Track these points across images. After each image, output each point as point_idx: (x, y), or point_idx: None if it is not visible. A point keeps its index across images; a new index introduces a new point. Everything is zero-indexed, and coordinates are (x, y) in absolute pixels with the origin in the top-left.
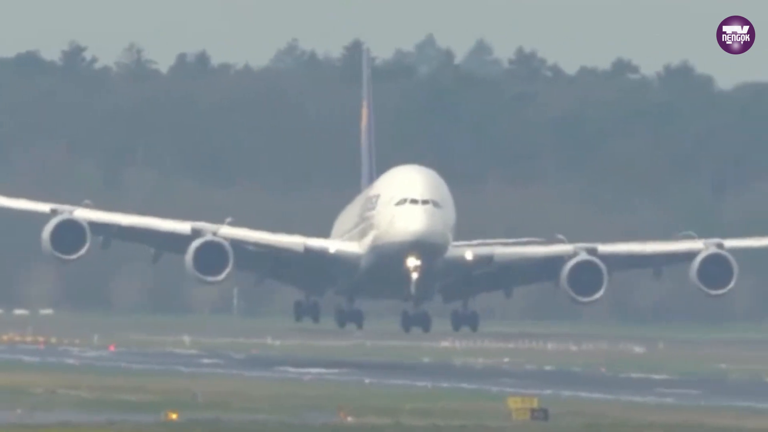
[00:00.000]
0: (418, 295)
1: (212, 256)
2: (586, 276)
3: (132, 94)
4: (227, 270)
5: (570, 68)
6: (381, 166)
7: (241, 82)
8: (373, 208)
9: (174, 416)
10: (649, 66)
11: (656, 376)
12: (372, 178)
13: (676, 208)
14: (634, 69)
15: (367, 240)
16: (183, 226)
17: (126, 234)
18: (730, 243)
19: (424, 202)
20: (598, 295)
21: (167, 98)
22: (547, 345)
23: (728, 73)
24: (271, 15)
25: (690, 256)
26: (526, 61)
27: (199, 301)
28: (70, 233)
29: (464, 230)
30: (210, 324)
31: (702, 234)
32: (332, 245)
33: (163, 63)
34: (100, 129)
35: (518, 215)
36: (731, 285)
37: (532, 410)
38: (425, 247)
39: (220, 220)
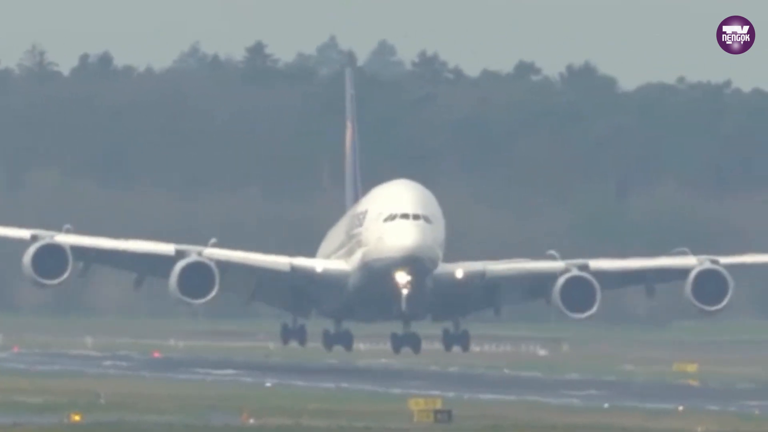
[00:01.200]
0: (408, 313)
1: (198, 278)
2: (577, 292)
3: (34, 95)
4: (213, 292)
5: (472, 71)
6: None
7: (143, 84)
8: (361, 225)
9: (77, 418)
10: (552, 67)
11: (560, 377)
12: (357, 197)
13: (579, 209)
14: (537, 71)
15: (356, 258)
16: (166, 248)
17: (107, 258)
18: (725, 259)
19: (415, 217)
20: (590, 312)
21: (70, 100)
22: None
23: (631, 74)
24: (174, 17)
25: (684, 272)
26: (428, 63)
27: (103, 302)
28: (51, 258)
29: None
30: (114, 325)
31: (605, 235)
32: (319, 264)
33: (66, 65)
34: (1, 131)
35: None
36: (726, 300)
37: (435, 412)
38: (416, 262)
39: (122, 222)
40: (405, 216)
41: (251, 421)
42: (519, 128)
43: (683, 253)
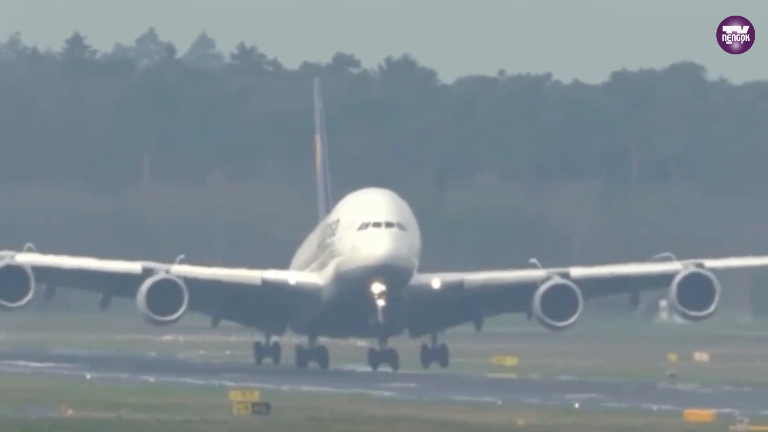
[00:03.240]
0: (385, 326)
1: (166, 295)
2: (559, 300)
3: None
4: (182, 309)
5: (291, 63)
6: (103, 160)
7: None
8: (334, 235)
9: None
10: (371, 60)
11: (381, 370)
12: (328, 210)
13: None
14: (356, 63)
15: (329, 269)
16: (133, 266)
17: (71, 278)
18: (710, 263)
19: (388, 225)
20: (573, 319)
21: None
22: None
23: (451, 67)
24: None
25: (668, 277)
26: (247, 55)
27: None
28: (12, 279)
29: (185, 230)
30: None
31: (424, 228)
32: (292, 277)
33: None
34: None
35: (239, 211)
36: (714, 305)
37: (254, 404)
38: (391, 271)
39: None
40: (378, 224)
41: (70, 412)
42: (338, 120)
43: (667, 259)
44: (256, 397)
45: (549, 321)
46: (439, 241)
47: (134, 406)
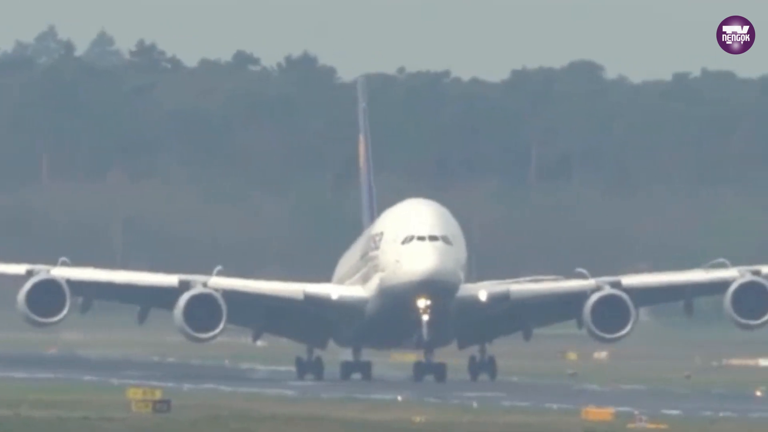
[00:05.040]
0: (430, 340)
1: (204, 310)
2: (610, 311)
3: None
4: (221, 325)
5: (190, 60)
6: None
7: None
8: (377, 248)
9: None
10: (271, 58)
11: (281, 368)
12: (373, 216)
13: (297, 202)
14: (255, 61)
15: (373, 283)
16: (169, 279)
17: (107, 292)
18: (767, 270)
19: (433, 238)
20: (624, 332)
21: None
22: (166, 338)
23: (351, 65)
24: None
25: (724, 285)
26: (146, 52)
27: None
28: (47, 295)
29: (83, 228)
30: None
31: (324, 226)
32: (334, 291)
33: None
34: None
35: (138, 210)
36: None
37: (154, 402)
38: (436, 287)
39: None
40: (422, 238)
41: None
42: (237, 119)
43: (722, 265)
44: (157, 395)
45: (600, 333)
46: (339, 241)
47: (33, 404)
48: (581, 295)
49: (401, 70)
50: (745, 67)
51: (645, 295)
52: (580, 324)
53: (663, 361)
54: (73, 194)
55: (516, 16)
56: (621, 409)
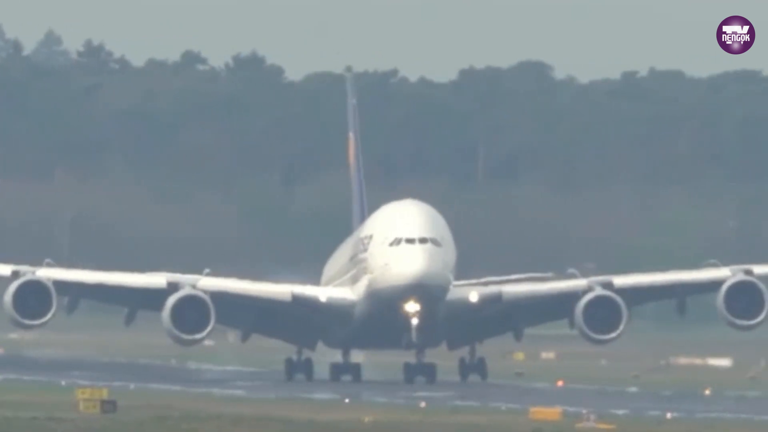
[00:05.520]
0: (420, 343)
1: (192, 311)
2: (602, 312)
3: None
4: (210, 327)
5: (138, 60)
6: None
7: None
8: (366, 250)
9: None
10: (218, 57)
11: (229, 368)
12: (364, 216)
13: (245, 201)
14: (203, 60)
15: (361, 285)
16: (157, 280)
17: (94, 293)
18: (759, 269)
19: (422, 240)
20: (616, 333)
21: None
22: (116, 337)
23: (298, 64)
24: None
25: (716, 284)
26: (94, 52)
27: None
28: (33, 296)
29: (29, 228)
30: None
31: (272, 224)
32: (322, 293)
33: None
34: None
35: (85, 210)
36: (764, 314)
37: (102, 402)
38: (425, 290)
39: None
40: (411, 240)
41: None
42: (185, 118)
43: (714, 265)
44: (104, 395)
45: (592, 335)
46: (287, 239)
47: None
48: (573, 296)
49: (348, 69)
50: (693, 66)
51: (637, 296)
52: (572, 325)
53: (611, 361)
54: (19, 194)
55: (464, 16)
56: (569, 408)
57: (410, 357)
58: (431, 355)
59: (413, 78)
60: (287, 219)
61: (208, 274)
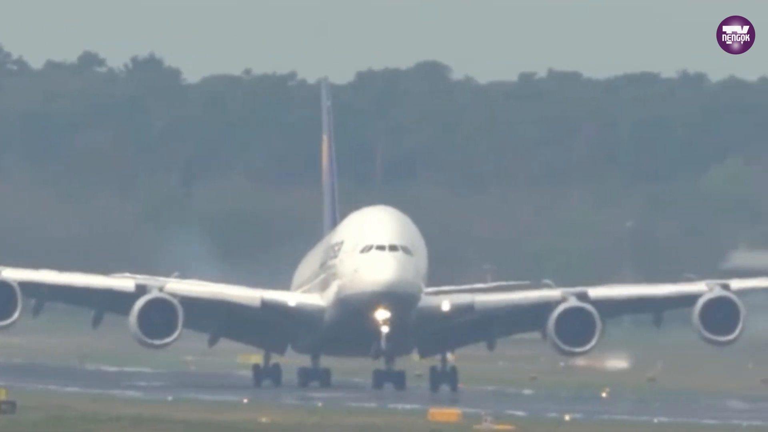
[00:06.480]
0: (390, 351)
1: (160, 315)
2: (575, 324)
3: None
4: (178, 331)
5: (36, 62)
6: None
7: None
8: (336, 257)
9: None
10: (117, 59)
11: (128, 370)
12: (336, 220)
13: (144, 202)
14: (101, 62)
15: (331, 291)
16: (125, 283)
17: (61, 294)
18: (736, 284)
19: (393, 248)
20: (589, 346)
21: None
22: (14, 338)
23: (196, 66)
24: None
25: (692, 299)
26: None
27: None
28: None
29: None
30: None
31: (170, 226)
32: (292, 298)
33: None
34: None
35: None
36: (738, 330)
37: (0, 402)
38: (395, 298)
39: None
40: (381, 247)
41: None
42: (83, 120)
43: (689, 279)
44: (2, 395)
45: (564, 347)
46: (184, 241)
47: None
48: (546, 307)
49: (247, 71)
50: (590, 67)
51: (612, 308)
52: (544, 336)
53: (510, 363)
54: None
55: (362, 17)
56: (467, 410)
57: (380, 364)
58: (401, 363)
59: (311, 80)
60: (185, 221)
61: (176, 277)
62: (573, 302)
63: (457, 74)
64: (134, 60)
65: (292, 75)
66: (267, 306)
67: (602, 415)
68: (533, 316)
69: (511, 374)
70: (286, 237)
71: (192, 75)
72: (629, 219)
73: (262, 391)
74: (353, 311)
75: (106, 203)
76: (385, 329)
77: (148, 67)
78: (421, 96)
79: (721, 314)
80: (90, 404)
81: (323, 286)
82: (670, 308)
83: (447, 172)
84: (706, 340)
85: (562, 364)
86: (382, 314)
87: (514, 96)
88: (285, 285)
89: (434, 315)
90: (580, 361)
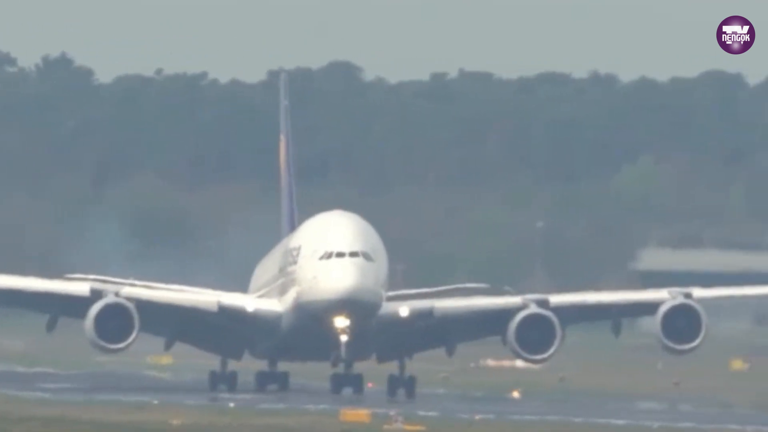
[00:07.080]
0: (349, 358)
1: (116, 320)
2: (535, 331)
3: None
4: (133, 335)
5: None
6: None
7: None
8: (295, 263)
9: None
10: (27, 59)
11: (35, 371)
12: (294, 221)
13: (55, 201)
14: (12, 61)
15: (289, 297)
16: (80, 287)
17: (15, 299)
18: (699, 292)
19: (353, 254)
20: (550, 352)
21: None
22: None
23: (108, 66)
24: None
25: (653, 306)
26: None
27: None
28: None
29: None
30: None
31: (86, 226)
32: (250, 303)
33: None
34: None
35: None
36: (700, 339)
37: None
38: (355, 306)
39: None
40: (341, 254)
41: None
42: None
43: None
44: None
45: (524, 354)
46: (98, 241)
47: None
48: (506, 313)
49: (159, 71)
50: (501, 68)
51: (572, 315)
52: (504, 342)
53: (420, 363)
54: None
55: (273, 16)
56: (377, 410)
57: (338, 368)
58: (360, 366)
59: (224, 80)
60: (97, 221)
61: (132, 283)
62: (533, 309)
63: (368, 74)
64: (45, 59)
65: (203, 75)
66: (224, 311)
67: (513, 415)
68: (493, 322)
69: (423, 375)
70: (200, 235)
71: (104, 75)
72: (540, 219)
73: (173, 392)
74: (312, 318)
75: (18, 203)
76: (344, 338)
77: (60, 67)
78: (332, 96)
79: (682, 322)
80: (3, 405)
81: (282, 292)
82: (631, 316)
83: (358, 172)
84: (666, 348)
85: (472, 364)
86: (341, 322)
87: (425, 96)
88: (202, 283)
89: (393, 320)
90: (491, 362)
